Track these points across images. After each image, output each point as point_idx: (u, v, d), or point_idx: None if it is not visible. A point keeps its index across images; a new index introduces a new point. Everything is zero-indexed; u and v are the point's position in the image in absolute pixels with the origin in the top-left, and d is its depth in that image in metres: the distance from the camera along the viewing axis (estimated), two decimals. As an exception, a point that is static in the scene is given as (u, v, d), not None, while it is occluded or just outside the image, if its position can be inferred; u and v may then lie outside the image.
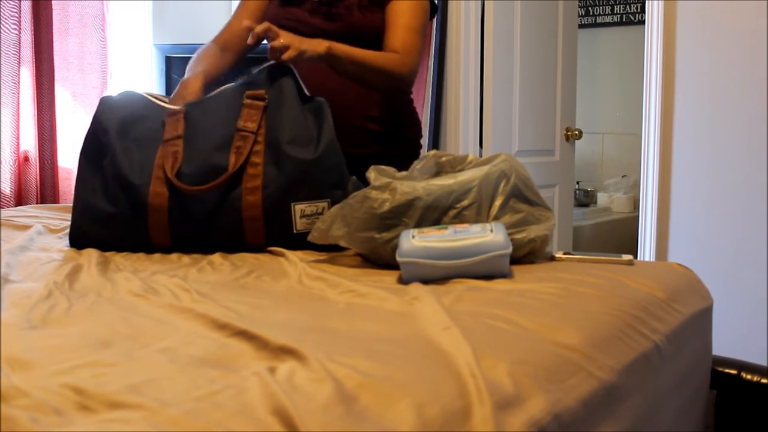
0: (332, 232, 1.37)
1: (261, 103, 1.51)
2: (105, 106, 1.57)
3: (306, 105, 1.54)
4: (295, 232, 1.48)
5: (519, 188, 1.39)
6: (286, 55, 1.51)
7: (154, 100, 1.60)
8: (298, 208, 1.48)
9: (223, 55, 1.85)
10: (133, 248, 1.50)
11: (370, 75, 1.73)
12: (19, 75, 2.75)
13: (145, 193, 1.46)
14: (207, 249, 1.49)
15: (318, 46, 1.58)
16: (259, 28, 1.51)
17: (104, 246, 1.50)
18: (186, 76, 1.75)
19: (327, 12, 1.82)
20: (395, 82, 1.79)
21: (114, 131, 1.52)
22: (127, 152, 1.49)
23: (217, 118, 1.52)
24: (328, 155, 1.50)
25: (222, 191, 1.46)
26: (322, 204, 1.48)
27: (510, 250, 1.23)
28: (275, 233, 1.49)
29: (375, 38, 1.81)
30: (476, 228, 1.25)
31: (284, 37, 1.53)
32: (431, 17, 1.92)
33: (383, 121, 1.86)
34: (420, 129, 2.01)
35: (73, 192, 2.92)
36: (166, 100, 1.63)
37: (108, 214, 1.49)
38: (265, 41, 1.57)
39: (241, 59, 1.89)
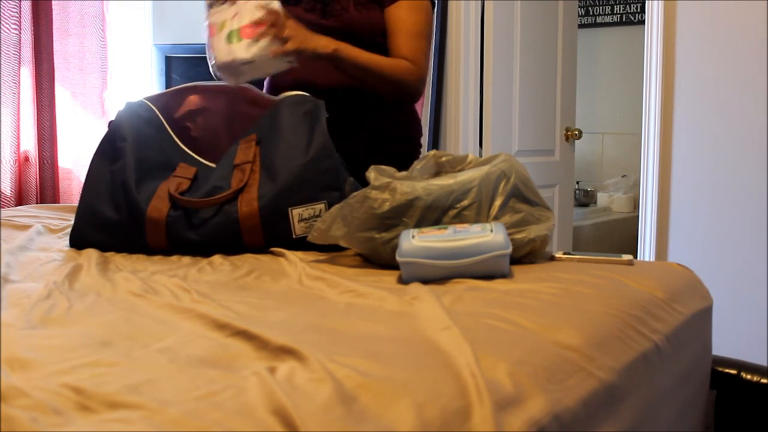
0: (332, 232, 1.37)
1: (253, 136, 1.53)
2: (126, 114, 1.57)
3: (302, 111, 1.54)
4: (294, 237, 1.48)
5: (519, 188, 1.39)
6: (286, 47, 1.52)
7: (164, 122, 1.60)
8: (296, 212, 1.47)
9: None
10: (133, 253, 1.50)
11: (377, 82, 1.72)
12: (19, 75, 2.75)
13: (145, 209, 1.46)
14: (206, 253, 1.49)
15: (325, 46, 1.57)
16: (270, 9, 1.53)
17: (104, 249, 1.50)
18: None
19: (322, 9, 1.81)
20: (404, 90, 1.77)
21: (131, 140, 1.53)
22: (140, 164, 1.50)
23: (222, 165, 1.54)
24: (320, 157, 1.49)
25: (218, 206, 1.46)
26: (319, 206, 1.48)
27: (510, 250, 1.23)
28: (274, 240, 1.48)
29: (371, 36, 1.79)
30: (476, 228, 1.25)
31: (290, 28, 1.53)
32: None
33: (382, 121, 1.85)
34: (420, 128, 2.00)
35: (72, 192, 2.95)
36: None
37: (110, 220, 1.49)
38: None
39: None
